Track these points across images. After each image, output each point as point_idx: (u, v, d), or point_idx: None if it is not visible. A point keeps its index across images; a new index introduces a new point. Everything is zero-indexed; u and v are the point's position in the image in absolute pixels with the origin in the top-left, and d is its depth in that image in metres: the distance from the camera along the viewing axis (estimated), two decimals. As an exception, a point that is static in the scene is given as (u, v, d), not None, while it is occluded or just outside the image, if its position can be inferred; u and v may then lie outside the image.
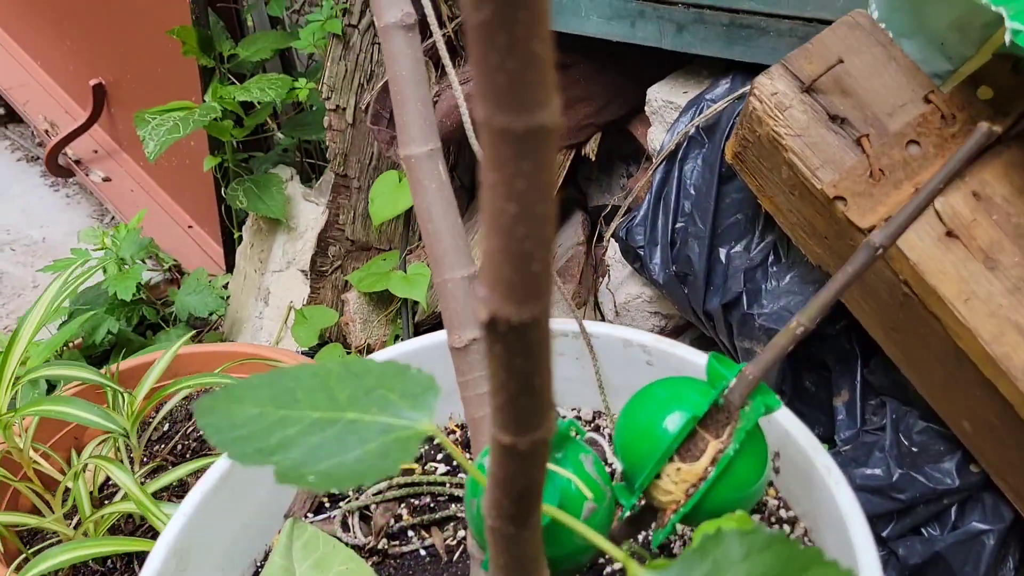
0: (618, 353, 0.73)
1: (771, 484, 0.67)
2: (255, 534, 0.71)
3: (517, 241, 0.27)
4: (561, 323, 0.74)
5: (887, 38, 0.76)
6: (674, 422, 0.52)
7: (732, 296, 0.94)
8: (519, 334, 0.29)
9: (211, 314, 1.60)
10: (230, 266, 1.80)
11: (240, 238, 1.75)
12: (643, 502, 0.55)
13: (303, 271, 1.58)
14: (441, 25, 1.38)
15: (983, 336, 0.66)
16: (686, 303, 1.00)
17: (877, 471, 0.82)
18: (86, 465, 0.83)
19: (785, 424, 0.63)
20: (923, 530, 0.81)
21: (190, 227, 1.96)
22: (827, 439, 0.95)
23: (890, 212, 0.71)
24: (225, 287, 1.74)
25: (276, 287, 1.61)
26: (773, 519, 0.64)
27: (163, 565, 0.60)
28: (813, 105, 0.75)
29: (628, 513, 0.57)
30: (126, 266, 1.51)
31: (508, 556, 0.39)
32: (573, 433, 0.52)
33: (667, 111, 1.06)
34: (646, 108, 1.09)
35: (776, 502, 0.66)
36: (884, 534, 0.82)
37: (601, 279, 1.20)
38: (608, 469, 0.71)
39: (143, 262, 1.64)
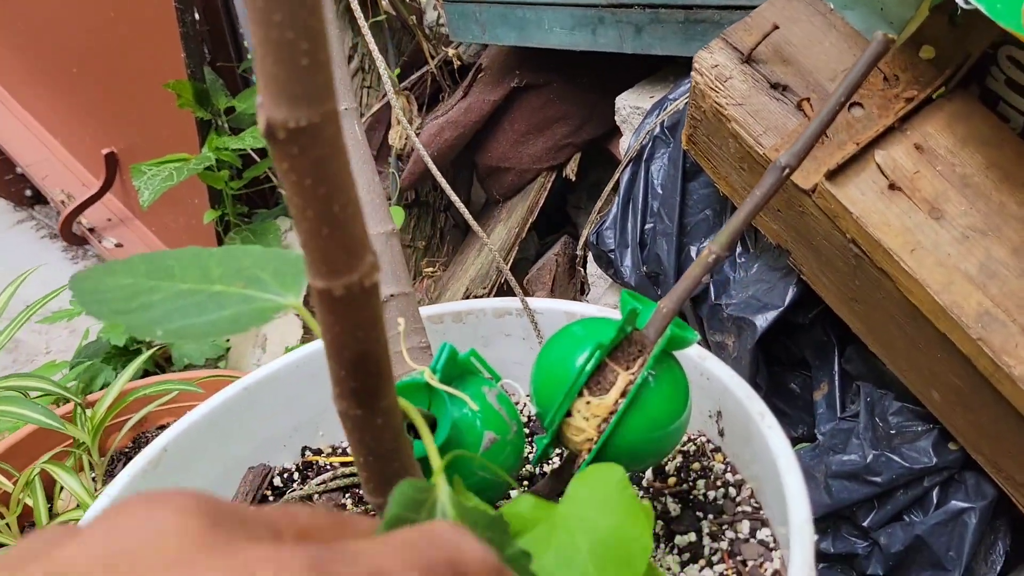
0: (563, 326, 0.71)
1: (718, 449, 0.64)
2: (193, 525, 0.68)
3: (276, 29, 0.27)
4: (504, 301, 0.72)
5: (827, 8, 0.76)
6: (584, 357, 0.50)
7: (700, 289, 0.91)
8: (301, 144, 0.28)
9: (208, 361, 1.61)
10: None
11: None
12: (564, 452, 0.53)
13: (296, 314, 1.58)
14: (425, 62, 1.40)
15: (932, 287, 0.64)
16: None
17: (853, 456, 0.79)
18: (38, 475, 0.82)
19: (724, 379, 0.60)
20: (905, 516, 0.77)
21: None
22: (811, 438, 0.92)
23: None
24: (227, 339, 1.75)
25: (273, 333, 1.62)
26: (719, 483, 0.61)
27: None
28: (754, 75, 0.74)
29: (551, 467, 0.54)
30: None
31: (363, 448, 0.37)
32: (481, 369, 0.50)
33: (635, 117, 1.06)
34: (616, 117, 1.09)
35: (723, 466, 0.62)
36: (865, 524, 0.78)
37: (582, 296, 1.18)
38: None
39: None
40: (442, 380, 0.48)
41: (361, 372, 0.34)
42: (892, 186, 0.67)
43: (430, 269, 1.44)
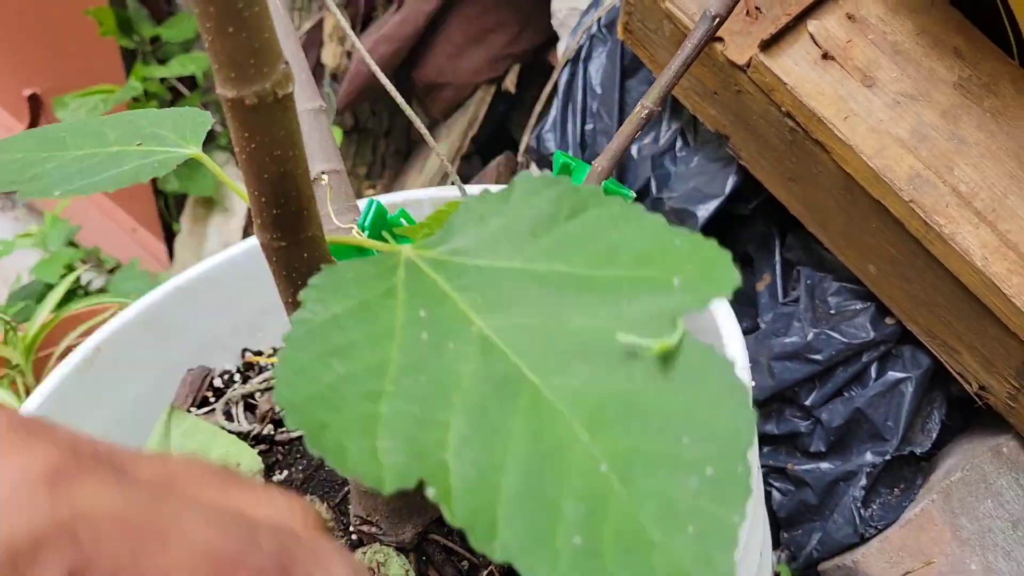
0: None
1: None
2: (130, 430, 0.67)
3: None
4: (442, 190, 0.71)
5: None
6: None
7: (641, 184, 0.91)
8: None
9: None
10: (172, 259, 1.77)
11: (178, 228, 1.72)
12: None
13: (239, 248, 1.55)
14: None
15: (865, 152, 0.64)
16: (600, 205, 0.97)
17: (794, 338, 0.80)
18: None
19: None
20: (844, 392, 0.78)
21: (134, 230, 1.93)
22: (755, 329, 0.93)
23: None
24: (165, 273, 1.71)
25: (215, 245, 1.59)
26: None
27: (14, 438, 0.57)
28: (686, -48, 0.73)
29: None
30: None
31: (290, 287, 0.36)
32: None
33: (572, 19, 1.05)
34: (552, 22, 1.08)
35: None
36: (807, 403, 0.79)
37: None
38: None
39: (82, 262, 1.62)
40: (370, 237, 0.47)
41: (282, 196, 0.33)
42: (825, 55, 0.67)
43: (371, 191, 1.42)
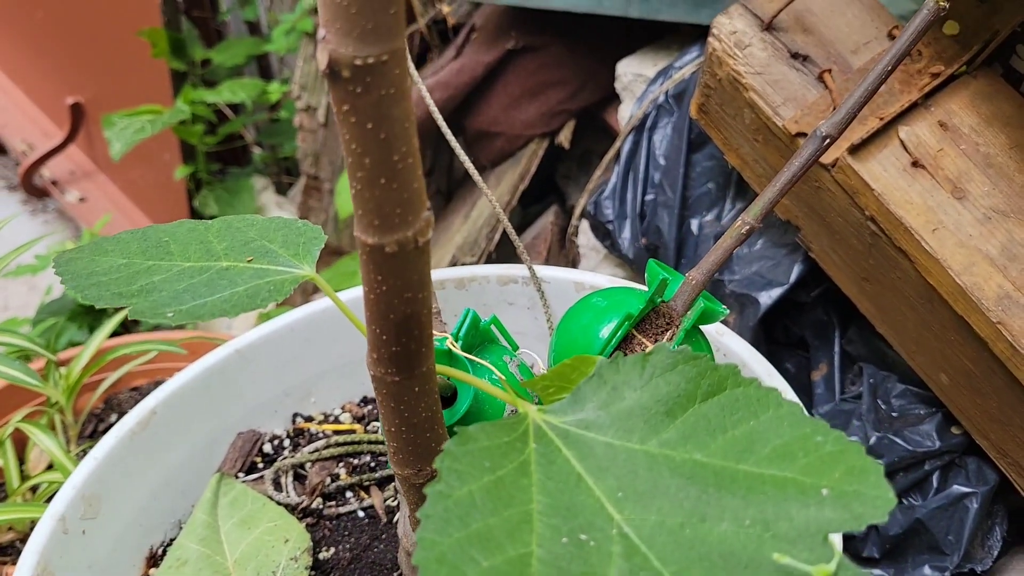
0: (571, 298, 0.68)
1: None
2: (179, 492, 0.65)
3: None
4: (509, 268, 0.70)
5: (849, -22, 0.74)
6: (610, 329, 0.48)
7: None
8: (366, 83, 0.25)
9: (179, 326, 1.56)
10: (204, 279, 1.76)
11: (214, 249, 1.71)
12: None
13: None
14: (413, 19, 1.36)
15: (952, 267, 0.62)
16: (655, 277, 0.96)
17: (855, 438, 0.77)
18: (11, 435, 0.78)
19: (744, 356, 0.58)
20: (904, 499, 0.76)
21: (167, 244, 1.93)
22: (805, 418, 0.91)
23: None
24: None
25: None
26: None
27: (69, 507, 0.55)
28: (774, 43, 0.72)
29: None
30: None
31: (396, 417, 0.35)
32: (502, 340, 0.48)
33: (637, 85, 1.04)
34: (616, 84, 1.06)
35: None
36: (863, 506, 0.77)
37: (574, 268, 1.16)
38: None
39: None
40: (463, 347, 0.45)
41: (404, 336, 0.31)
42: (915, 163, 0.65)
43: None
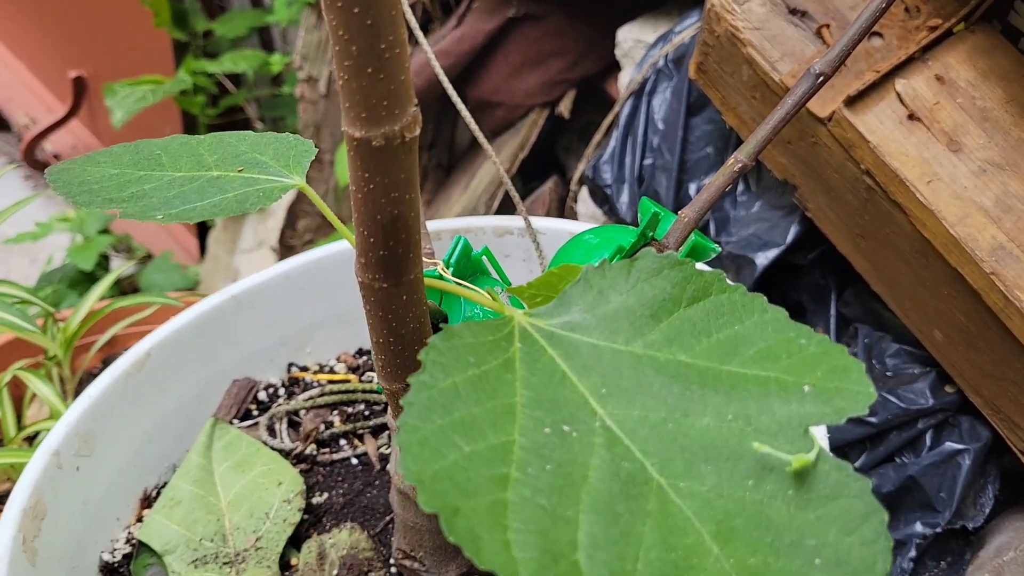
0: (566, 249, 0.68)
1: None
2: (174, 435, 0.66)
3: None
4: (506, 219, 0.70)
5: (849, -65, 0.73)
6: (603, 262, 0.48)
7: (700, 227, 0.89)
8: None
9: (177, 291, 1.56)
10: (203, 253, 1.77)
11: (212, 223, 1.72)
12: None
13: (273, 249, 1.54)
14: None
15: (947, 218, 0.62)
16: (653, 241, 0.96)
17: (848, 397, 0.78)
18: (9, 390, 0.78)
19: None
20: (897, 458, 0.76)
21: (167, 219, 1.93)
22: (800, 382, 0.91)
23: (851, 99, 0.67)
24: (197, 272, 1.70)
25: (246, 267, 1.58)
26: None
27: (63, 443, 0.56)
28: (772, -1, 0.72)
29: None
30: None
31: (384, 327, 0.35)
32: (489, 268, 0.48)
33: (637, 51, 1.04)
34: (616, 51, 1.06)
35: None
36: (857, 464, 0.77)
37: (571, 235, 1.16)
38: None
39: (114, 249, 1.61)
40: (455, 275, 0.45)
41: (391, 238, 0.32)
42: (911, 116, 0.65)
43: (413, 204, 1.41)
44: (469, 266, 0.47)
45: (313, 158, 0.38)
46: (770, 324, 0.30)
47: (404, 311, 0.34)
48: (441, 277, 0.44)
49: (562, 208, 1.21)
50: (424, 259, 0.52)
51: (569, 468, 0.26)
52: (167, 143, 0.39)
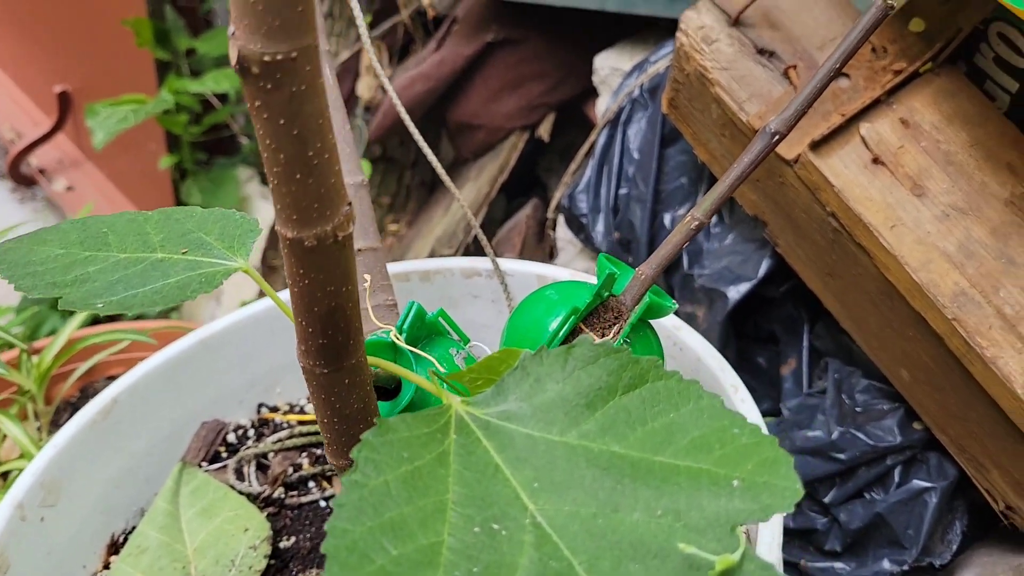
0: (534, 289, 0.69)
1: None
2: (142, 480, 0.66)
3: (257, -55, 0.24)
4: (474, 261, 0.70)
5: (817, -26, 0.74)
6: (559, 321, 0.48)
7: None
8: (276, 79, 0.25)
9: (160, 312, 1.56)
10: (188, 269, 1.76)
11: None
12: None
13: (256, 269, 1.54)
14: (396, 11, 1.36)
15: (910, 264, 0.63)
16: (628, 271, 0.96)
17: (818, 432, 0.78)
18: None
19: (698, 351, 0.59)
20: (866, 494, 0.76)
21: (152, 234, 1.93)
22: (776, 412, 0.91)
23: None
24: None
25: (229, 286, 1.58)
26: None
27: (27, 494, 0.56)
28: (740, 38, 0.72)
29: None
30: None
31: (328, 408, 0.35)
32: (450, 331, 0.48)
33: (614, 79, 1.04)
34: (593, 78, 1.07)
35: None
36: (826, 500, 0.78)
37: (551, 260, 1.16)
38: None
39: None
40: (408, 340, 0.45)
41: (330, 328, 0.32)
42: (876, 160, 0.65)
43: (394, 227, 1.41)
44: (424, 328, 0.47)
45: (258, 236, 0.38)
46: (705, 411, 0.31)
47: (347, 393, 0.34)
48: (394, 343, 0.45)
49: (542, 232, 1.22)
50: (378, 322, 0.53)
51: (497, 570, 0.27)
52: (115, 220, 0.39)
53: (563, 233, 1.12)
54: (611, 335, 0.49)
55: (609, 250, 0.97)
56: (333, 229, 0.29)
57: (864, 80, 0.70)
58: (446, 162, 1.45)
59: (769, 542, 0.46)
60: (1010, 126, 0.66)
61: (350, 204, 0.29)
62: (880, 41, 0.71)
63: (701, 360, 0.58)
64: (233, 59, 0.25)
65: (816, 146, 0.66)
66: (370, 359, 0.35)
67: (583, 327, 0.49)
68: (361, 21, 0.63)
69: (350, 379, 0.34)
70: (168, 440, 0.68)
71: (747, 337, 0.93)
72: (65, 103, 2.00)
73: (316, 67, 0.26)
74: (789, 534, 0.81)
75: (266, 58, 0.25)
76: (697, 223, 0.50)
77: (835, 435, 0.76)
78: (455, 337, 0.49)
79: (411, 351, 0.44)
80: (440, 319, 0.47)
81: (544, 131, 1.21)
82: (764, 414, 0.93)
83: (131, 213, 0.40)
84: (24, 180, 2.17)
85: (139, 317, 1.60)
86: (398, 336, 0.44)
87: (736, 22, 0.72)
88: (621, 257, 0.97)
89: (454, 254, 1.21)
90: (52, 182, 2.10)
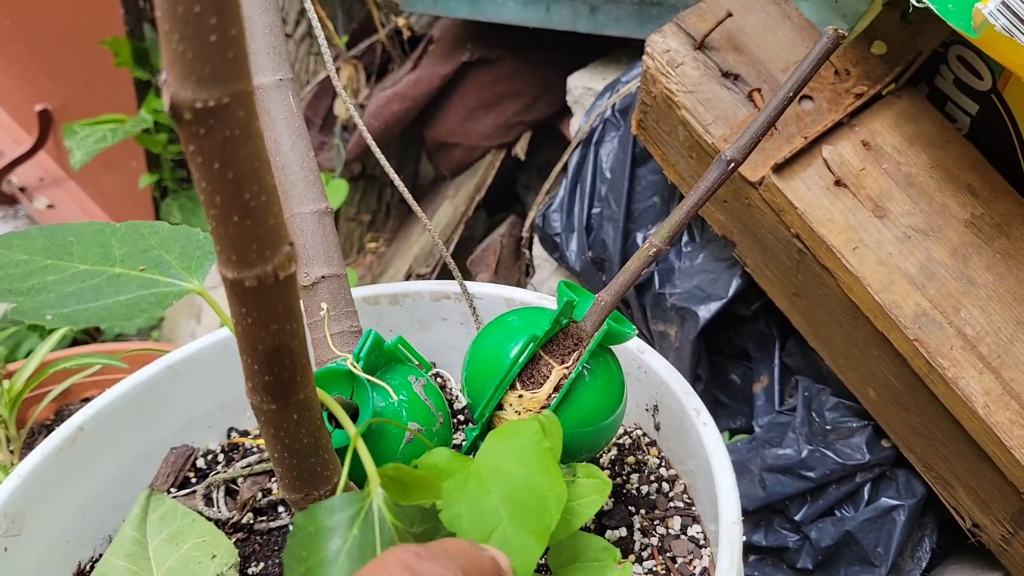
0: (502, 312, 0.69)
1: (654, 443, 0.63)
2: (110, 507, 0.66)
3: (182, 1, 0.24)
4: (442, 284, 0.70)
5: (782, -2, 0.75)
6: (517, 348, 0.49)
7: (645, 277, 0.90)
8: (208, 125, 0.26)
9: (140, 332, 1.56)
10: (169, 287, 1.76)
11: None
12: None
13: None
14: (375, 31, 1.37)
15: (872, 285, 0.63)
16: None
17: (789, 451, 0.78)
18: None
19: (662, 373, 0.59)
20: (836, 512, 0.77)
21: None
22: (749, 429, 0.92)
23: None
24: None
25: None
26: (653, 477, 0.60)
27: (-11, 525, 0.56)
28: (706, 62, 0.73)
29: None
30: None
31: (278, 444, 0.35)
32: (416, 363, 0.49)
33: (587, 98, 1.05)
34: (567, 97, 1.07)
35: (657, 461, 0.62)
36: (797, 518, 0.78)
37: (527, 278, 1.16)
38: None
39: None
40: (365, 368, 0.46)
41: (275, 366, 0.32)
42: (838, 182, 0.66)
43: (373, 244, 1.41)
44: (383, 356, 0.47)
45: (215, 262, 0.38)
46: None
47: (296, 429, 0.35)
48: (351, 372, 0.45)
49: (518, 250, 1.22)
50: (337, 350, 0.53)
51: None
52: (83, 229, 0.40)
53: (539, 251, 1.13)
54: (571, 362, 0.49)
55: (583, 269, 0.98)
56: (274, 269, 0.29)
57: (827, 103, 0.70)
58: (426, 179, 1.46)
59: (728, 567, 0.47)
60: (970, 148, 0.67)
61: (291, 244, 0.29)
62: (843, 64, 0.71)
63: (665, 383, 0.58)
64: (166, 105, 0.25)
65: (779, 168, 0.67)
66: (320, 395, 0.35)
67: (543, 354, 0.49)
68: (325, 47, 0.63)
69: (299, 414, 0.34)
70: (136, 466, 0.68)
71: (722, 353, 0.94)
72: (46, 122, 2.00)
73: (250, 112, 0.26)
74: (761, 552, 0.82)
75: (198, 104, 0.25)
76: (655, 249, 0.50)
77: (804, 453, 0.76)
78: (415, 364, 0.49)
79: (368, 379, 0.44)
80: (400, 346, 0.48)
81: (520, 149, 1.22)
82: (738, 431, 0.93)
83: (100, 224, 0.40)
84: (5, 199, 2.16)
85: (118, 337, 1.60)
86: (354, 364, 0.45)
87: (701, 45, 0.73)
88: (595, 276, 0.97)
89: (431, 272, 1.21)
90: (33, 200, 2.09)
